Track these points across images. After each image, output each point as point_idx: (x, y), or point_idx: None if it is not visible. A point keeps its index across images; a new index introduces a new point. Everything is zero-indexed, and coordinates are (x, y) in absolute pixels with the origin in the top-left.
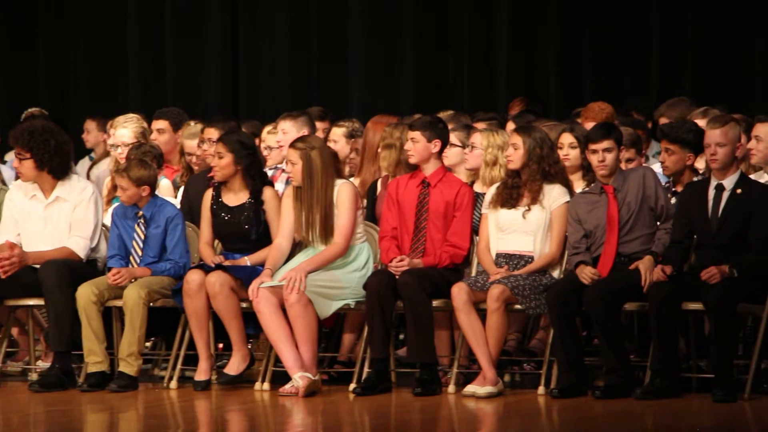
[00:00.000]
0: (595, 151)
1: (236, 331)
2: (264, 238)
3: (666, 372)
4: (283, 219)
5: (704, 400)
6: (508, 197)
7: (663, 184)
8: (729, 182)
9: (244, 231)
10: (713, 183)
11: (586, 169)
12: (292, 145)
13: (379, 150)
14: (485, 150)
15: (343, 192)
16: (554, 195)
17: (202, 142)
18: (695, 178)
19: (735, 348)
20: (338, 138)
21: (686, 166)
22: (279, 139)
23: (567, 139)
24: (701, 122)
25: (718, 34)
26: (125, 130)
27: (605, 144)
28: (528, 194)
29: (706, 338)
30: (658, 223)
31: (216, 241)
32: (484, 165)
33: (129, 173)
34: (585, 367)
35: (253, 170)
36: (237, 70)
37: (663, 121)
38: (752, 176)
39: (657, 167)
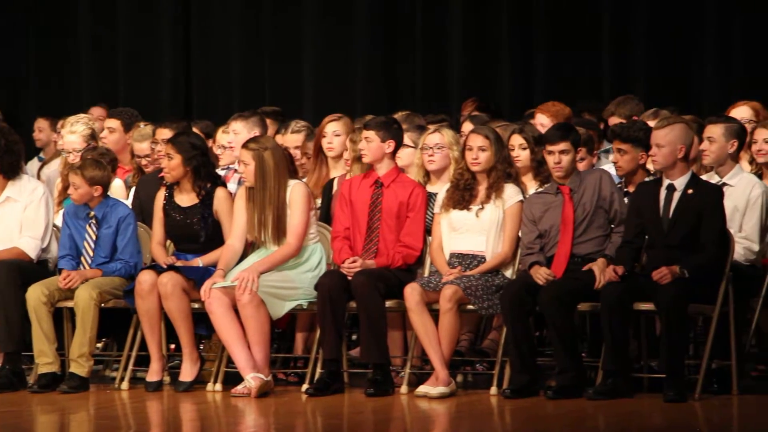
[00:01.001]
0: (551, 153)
1: (186, 334)
2: (216, 239)
3: (618, 372)
4: (236, 219)
5: (655, 400)
6: (461, 198)
7: (616, 184)
8: (680, 183)
9: (196, 232)
10: (665, 183)
11: (536, 169)
12: (245, 146)
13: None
14: (450, 148)
15: (296, 192)
16: (508, 194)
17: (155, 143)
18: (647, 178)
19: (686, 348)
20: (292, 141)
21: (639, 165)
22: (230, 140)
23: (517, 140)
24: (652, 123)
25: (670, 35)
26: (73, 136)
27: (562, 146)
28: (482, 194)
29: (658, 338)
30: (612, 225)
31: (168, 242)
32: (454, 163)
33: (83, 171)
34: (537, 368)
35: (203, 171)
36: (189, 70)
37: (613, 119)
38: (704, 177)
39: (609, 167)
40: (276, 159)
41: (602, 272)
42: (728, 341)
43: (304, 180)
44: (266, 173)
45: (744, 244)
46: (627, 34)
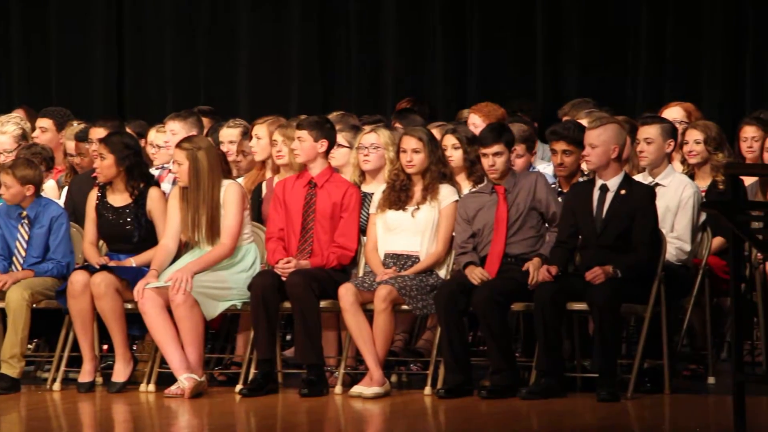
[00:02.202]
0: (485, 155)
1: (119, 334)
2: (149, 239)
3: (551, 372)
4: (170, 220)
5: (588, 400)
6: (397, 199)
7: (551, 186)
8: (613, 183)
9: (129, 232)
10: (598, 184)
11: (469, 169)
12: (179, 146)
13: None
14: (386, 149)
15: (230, 192)
16: (443, 194)
17: (89, 143)
18: (581, 179)
19: (618, 348)
20: (229, 138)
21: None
22: (167, 140)
23: (450, 140)
24: (584, 123)
25: (602, 36)
26: (4, 137)
27: (495, 148)
28: (418, 194)
29: (591, 338)
30: (546, 225)
31: (101, 242)
32: (389, 164)
33: (14, 171)
34: (471, 367)
35: (136, 171)
36: (123, 69)
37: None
38: (636, 177)
39: (543, 168)
40: (210, 159)
41: (537, 270)
42: (660, 341)
43: (240, 179)
44: (200, 173)
45: (676, 244)
46: (560, 34)
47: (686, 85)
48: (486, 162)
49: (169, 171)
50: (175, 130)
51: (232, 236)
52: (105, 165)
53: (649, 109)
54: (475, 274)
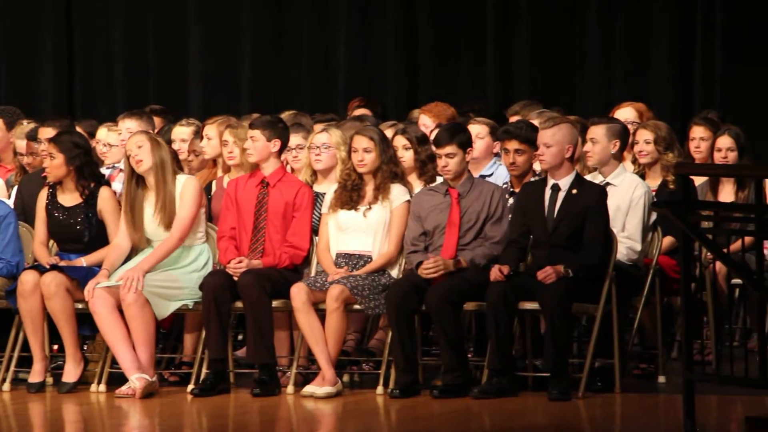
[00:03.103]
0: (439, 156)
1: (69, 335)
2: (100, 239)
3: (503, 371)
4: (123, 218)
5: (540, 399)
6: (348, 199)
7: (502, 185)
8: (565, 183)
9: (80, 232)
10: (550, 183)
11: (420, 169)
12: (138, 133)
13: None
14: (338, 149)
15: (188, 186)
16: (395, 194)
17: (39, 142)
18: (532, 178)
19: (570, 347)
20: (181, 137)
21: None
22: (124, 138)
23: (400, 141)
24: (536, 123)
25: (553, 37)
26: None
27: (448, 149)
28: (369, 194)
29: (542, 337)
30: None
31: (51, 242)
32: (341, 163)
33: None
34: (422, 367)
35: (86, 170)
36: (72, 69)
37: (514, 119)
38: (587, 177)
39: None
40: (169, 152)
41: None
42: (611, 340)
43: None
44: (163, 159)
45: (627, 243)
46: (510, 36)
47: (638, 86)
48: (439, 162)
49: (120, 170)
50: (132, 128)
51: (181, 229)
52: (54, 164)
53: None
54: (429, 264)
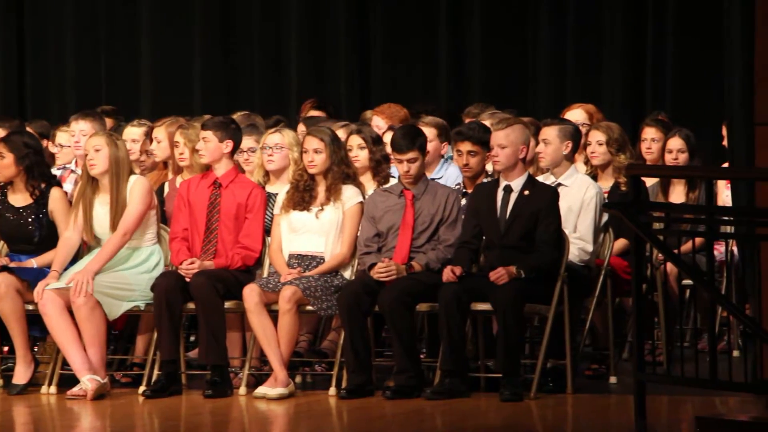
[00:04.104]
0: (400, 161)
1: (20, 336)
2: (50, 240)
3: (455, 372)
4: (75, 214)
5: (492, 399)
6: (300, 199)
7: (453, 186)
8: (517, 184)
9: (30, 232)
10: (502, 184)
11: (374, 169)
12: (97, 133)
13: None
14: (290, 149)
15: (137, 186)
16: (347, 195)
17: None
18: (485, 180)
19: (522, 348)
20: (133, 138)
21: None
22: (78, 139)
23: (355, 140)
24: (489, 124)
25: (505, 38)
26: None
27: (410, 155)
28: (322, 195)
29: (494, 338)
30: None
31: (1, 243)
32: (293, 164)
33: None
34: (374, 368)
35: (36, 171)
36: (23, 70)
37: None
38: (539, 178)
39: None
40: (125, 152)
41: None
42: (563, 341)
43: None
44: (120, 161)
45: (578, 244)
46: (463, 37)
47: (589, 87)
48: (401, 168)
49: (71, 171)
50: (85, 130)
51: (126, 226)
52: (4, 164)
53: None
54: (380, 267)
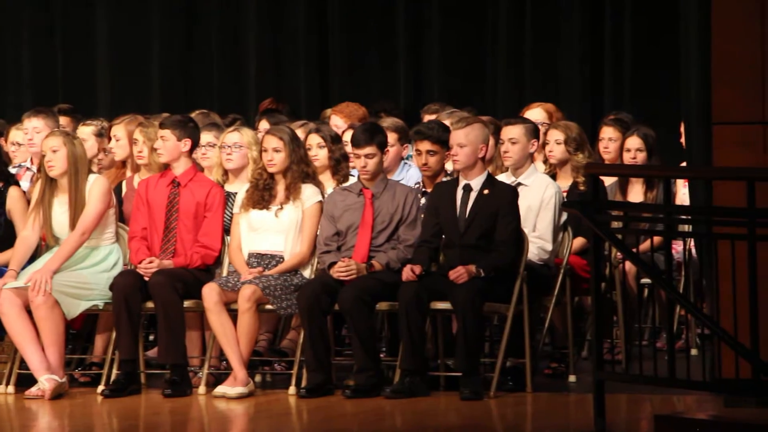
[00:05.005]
0: (357, 156)
1: None
2: (8, 239)
3: (415, 371)
4: (36, 214)
5: (452, 398)
6: (260, 198)
7: (414, 185)
8: (476, 183)
9: None
10: (461, 183)
11: (334, 168)
12: (53, 133)
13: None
14: (249, 148)
15: (96, 185)
16: (307, 195)
17: None
18: (444, 179)
19: (481, 347)
20: (87, 137)
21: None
22: (31, 137)
23: (314, 139)
24: (448, 123)
25: (463, 37)
26: None
27: (368, 150)
28: (281, 194)
29: (454, 337)
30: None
31: None
32: (253, 163)
33: None
34: (333, 367)
35: None
36: None
37: (428, 118)
38: (499, 177)
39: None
40: (83, 150)
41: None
42: (523, 339)
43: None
44: (78, 160)
45: (538, 243)
46: (421, 36)
47: (547, 87)
48: (358, 163)
49: (27, 169)
50: (38, 127)
51: (84, 225)
52: None
53: (512, 111)
54: (339, 266)
